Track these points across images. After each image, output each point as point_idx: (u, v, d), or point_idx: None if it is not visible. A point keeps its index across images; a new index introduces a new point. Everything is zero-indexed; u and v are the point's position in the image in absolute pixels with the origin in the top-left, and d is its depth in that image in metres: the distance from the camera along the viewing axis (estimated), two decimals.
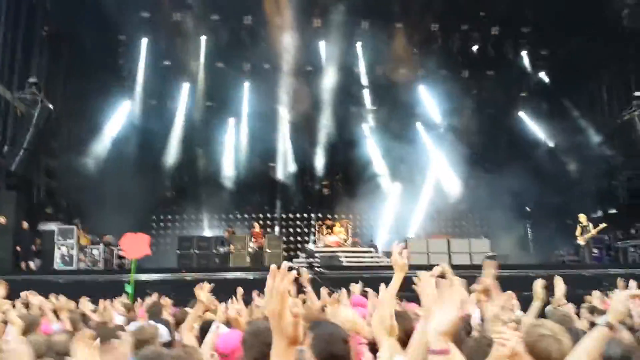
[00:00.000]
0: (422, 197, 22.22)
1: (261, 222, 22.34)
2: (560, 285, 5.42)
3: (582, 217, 16.68)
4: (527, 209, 17.95)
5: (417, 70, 22.54)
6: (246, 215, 22.78)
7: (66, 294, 9.65)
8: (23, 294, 7.98)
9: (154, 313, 6.92)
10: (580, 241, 16.64)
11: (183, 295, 8.96)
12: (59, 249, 15.43)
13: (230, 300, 6.31)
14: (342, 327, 2.95)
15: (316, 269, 13.88)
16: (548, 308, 9.49)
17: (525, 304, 5.94)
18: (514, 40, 21.51)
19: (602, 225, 16.36)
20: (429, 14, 20.59)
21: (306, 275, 6.90)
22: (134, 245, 9.65)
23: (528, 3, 19.21)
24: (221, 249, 17.27)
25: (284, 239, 20.89)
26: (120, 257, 16.39)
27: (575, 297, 10.26)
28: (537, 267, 15.02)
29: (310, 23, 20.60)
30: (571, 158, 21.58)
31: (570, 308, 8.82)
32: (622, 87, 18.88)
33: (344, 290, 6.65)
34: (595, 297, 9.55)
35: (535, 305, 4.68)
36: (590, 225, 16.54)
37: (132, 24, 18.88)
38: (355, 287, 7.12)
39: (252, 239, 17.60)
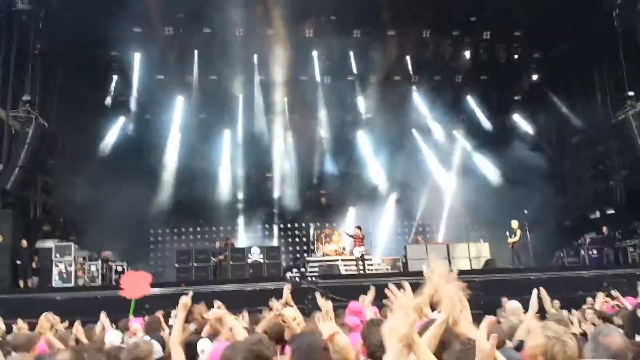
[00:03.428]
0: (420, 202, 22.21)
1: (266, 232, 22.36)
2: (546, 298, 5.40)
3: (514, 223, 16.80)
4: (525, 211, 17.95)
5: (410, 76, 22.64)
6: (243, 227, 22.69)
7: (64, 311, 9.62)
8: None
9: (153, 328, 6.86)
10: (510, 246, 16.80)
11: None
12: (57, 266, 15.35)
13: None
14: (321, 336, 2.91)
15: (310, 278, 13.84)
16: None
17: (527, 307, 5.93)
18: (506, 44, 21.58)
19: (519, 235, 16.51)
20: (420, 21, 20.65)
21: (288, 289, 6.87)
22: (135, 284, 9.50)
23: (518, 6, 19.29)
24: (212, 259, 17.18)
25: (283, 249, 20.81)
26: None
27: (577, 299, 10.27)
28: (537, 270, 15.01)
29: (302, 33, 20.64)
30: (568, 160, 21.65)
31: (575, 313, 8.81)
32: (615, 87, 18.92)
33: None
34: (597, 300, 9.52)
35: (529, 315, 4.62)
36: (518, 231, 16.61)
37: (124, 39, 18.86)
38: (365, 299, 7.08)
39: (355, 243, 17.42)
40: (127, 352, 4.01)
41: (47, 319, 7.59)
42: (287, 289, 7.04)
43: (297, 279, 13.56)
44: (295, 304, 6.90)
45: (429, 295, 3.37)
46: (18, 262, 15.00)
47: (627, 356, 3.00)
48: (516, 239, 16.63)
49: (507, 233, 16.87)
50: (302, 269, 16.59)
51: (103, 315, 8.17)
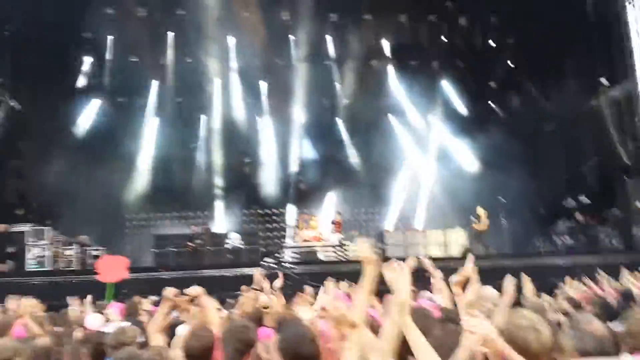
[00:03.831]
0: (397, 189, 22.35)
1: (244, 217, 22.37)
2: (527, 284, 5.46)
3: (480, 210, 17.07)
4: (501, 198, 18.20)
5: (387, 61, 22.66)
6: (221, 212, 22.57)
7: (39, 295, 9.53)
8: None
9: (131, 313, 6.85)
10: (476, 233, 17.12)
11: (160, 294, 8.89)
12: (30, 250, 15.15)
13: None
14: (309, 326, 2.93)
15: (285, 265, 13.91)
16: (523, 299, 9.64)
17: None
18: (481, 31, 21.72)
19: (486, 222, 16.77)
20: (397, 6, 20.67)
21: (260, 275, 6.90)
22: (111, 268, 9.47)
23: None
24: (189, 244, 17.10)
25: (261, 234, 20.80)
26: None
27: (550, 285, 10.47)
28: (512, 257, 15.24)
29: (278, 16, 20.49)
30: (542, 147, 21.94)
31: (547, 299, 9.00)
32: (588, 73, 19.18)
33: (322, 288, 6.68)
34: (569, 287, 9.72)
35: (504, 301, 4.66)
36: (484, 218, 16.87)
37: (96, 21, 18.52)
38: (329, 284, 7.13)
39: (335, 229, 17.35)
40: (114, 337, 3.99)
41: (30, 303, 7.55)
42: (257, 274, 7.08)
43: (273, 265, 13.60)
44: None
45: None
46: None
47: (609, 341, 3.02)
48: (482, 225, 16.83)
49: (473, 219, 17.10)
50: (278, 256, 16.65)
51: (71, 300, 8.09)
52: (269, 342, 4.18)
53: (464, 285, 3.60)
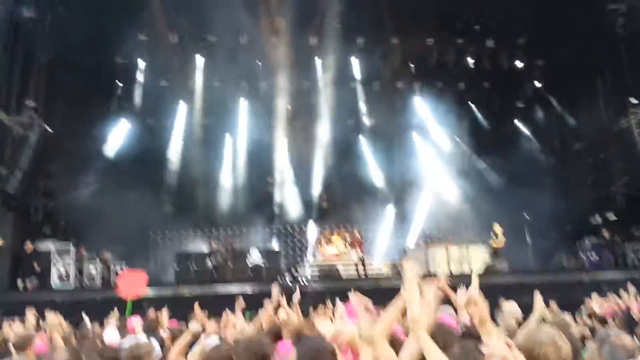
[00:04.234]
0: (421, 206, 22.19)
1: (266, 235, 22.47)
2: (538, 301, 5.38)
3: (497, 227, 16.88)
4: (526, 216, 17.95)
5: (413, 83, 22.72)
6: (244, 230, 22.69)
7: (63, 312, 9.63)
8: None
9: (150, 328, 6.87)
10: (492, 250, 16.96)
11: (181, 310, 8.92)
12: (56, 267, 15.38)
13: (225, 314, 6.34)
14: (327, 340, 2.91)
15: (302, 281, 13.85)
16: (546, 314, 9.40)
17: (525, 311, 5.90)
18: (509, 52, 21.63)
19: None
20: (424, 29, 20.74)
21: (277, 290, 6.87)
22: (131, 284, 9.54)
23: (522, 14, 19.35)
24: (209, 262, 17.14)
25: (283, 252, 20.80)
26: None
27: (575, 301, 10.21)
28: (537, 273, 14.95)
29: (306, 40, 20.74)
30: (569, 166, 21.61)
31: (568, 317, 8.79)
32: (618, 94, 18.90)
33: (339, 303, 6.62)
34: (594, 302, 9.50)
35: (533, 317, 4.59)
36: (501, 235, 16.63)
37: (128, 46, 19.03)
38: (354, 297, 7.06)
39: (353, 247, 17.36)
40: (129, 352, 4.00)
41: (56, 320, 7.66)
42: (275, 289, 7.06)
43: (289, 282, 13.56)
44: (288, 305, 6.91)
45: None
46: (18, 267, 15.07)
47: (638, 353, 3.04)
48: (499, 242, 16.60)
49: (493, 236, 16.94)
50: (295, 273, 16.63)
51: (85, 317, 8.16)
52: (287, 355, 4.16)
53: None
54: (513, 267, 16.92)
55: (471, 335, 3.85)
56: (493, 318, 8.64)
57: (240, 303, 8.09)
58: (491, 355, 2.54)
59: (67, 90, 19.15)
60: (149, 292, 11.83)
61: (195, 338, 5.31)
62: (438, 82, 22.39)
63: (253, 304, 10.33)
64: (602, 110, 19.90)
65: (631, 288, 9.32)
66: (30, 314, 8.15)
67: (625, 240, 17.68)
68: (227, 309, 7.17)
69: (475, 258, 17.47)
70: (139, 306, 10.10)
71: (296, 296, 6.97)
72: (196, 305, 6.62)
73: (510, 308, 6.98)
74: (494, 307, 9.89)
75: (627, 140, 17.60)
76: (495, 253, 16.82)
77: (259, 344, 3.16)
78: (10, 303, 12.62)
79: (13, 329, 7.67)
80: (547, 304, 9.18)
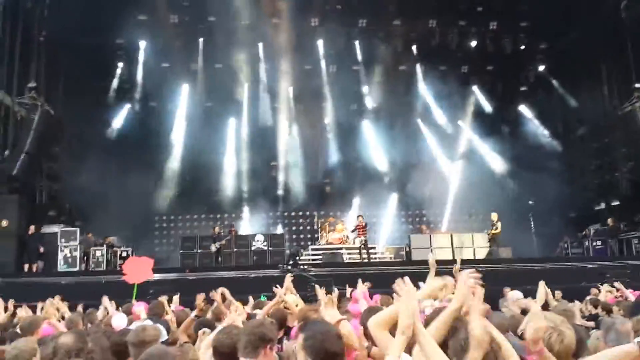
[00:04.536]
0: (425, 192, 22.21)
1: (270, 220, 22.52)
2: (542, 290, 5.39)
3: (494, 215, 16.86)
4: (530, 202, 17.95)
5: (416, 66, 22.59)
6: (248, 215, 22.76)
7: (69, 295, 9.71)
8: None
9: (156, 313, 6.92)
10: (488, 238, 16.95)
11: (186, 294, 8.98)
12: (62, 250, 15.45)
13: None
14: (332, 325, 2.92)
15: (303, 267, 13.90)
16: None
17: (529, 296, 5.95)
18: (512, 35, 21.46)
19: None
20: (426, 11, 20.57)
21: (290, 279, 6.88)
22: (137, 269, 9.55)
23: None
24: (212, 247, 17.25)
25: (287, 236, 20.89)
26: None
27: (580, 289, 10.28)
28: (541, 261, 15.00)
29: (307, 22, 20.58)
30: (573, 151, 21.57)
31: (577, 305, 8.86)
32: (621, 78, 18.80)
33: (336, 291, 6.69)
34: (603, 290, 9.54)
35: (537, 307, 4.61)
36: (499, 223, 16.63)
37: (129, 27, 18.87)
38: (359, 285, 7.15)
39: (358, 233, 17.45)
40: (135, 335, 4.02)
41: (53, 304, 7.71)
42: (288, 278, 7.08)
43: (290, 267, 13.62)
44: (297, 292, 6.96)
45: (433, 289, 3.43)
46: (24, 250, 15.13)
47: None
48: (497, 230, 16.68)
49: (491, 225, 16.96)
50: (296, 258, 16.72)
51: (105, 299, 8.24)
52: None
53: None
54: (517, 254, 16.95)
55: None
56: (497, 306, 8.73)
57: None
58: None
59: (69, 71, 19.10)
60: (154, 276, 11.92)
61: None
62: (441, 65, 22.26)
63: (257, 289, 10.46)
64: (605, 94, 19.82)
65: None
66: (49, 302, 8.20)
67: (630, 227, 17.64)
68: (230, 294, 7.19)
69: (479, 244, 17.52)
70: (146, 291, 10.16)
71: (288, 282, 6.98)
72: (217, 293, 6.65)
73: (514, 296, 7.06)
74: (498, 295, 10.03)
75: (631, 125, 17.53)
76: (492, 240, 16.83)
77: (260, 325, 3.21)
78: (16, 285, 12.73)
79: (24, 313, 7.75)
80: (552, 293, 9.31)
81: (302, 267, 13.88)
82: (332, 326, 2.82)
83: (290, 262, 15.00)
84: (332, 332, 2.68)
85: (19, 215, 15.22)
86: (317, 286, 6.46)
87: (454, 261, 8.54)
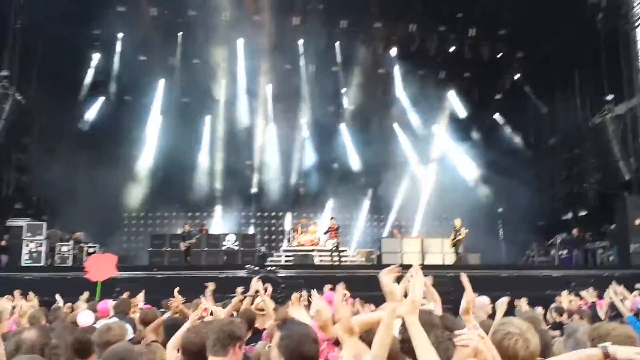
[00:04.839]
0: (397, 197, 22.33)
1: (242, 219, 22.36)
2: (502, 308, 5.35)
3: (457, 222, 17.07)
4: (499, 209, 18.16)
5: (394, 69, 22.70)
6: (220, 213, 22.58)
7: (33, 290, 9.51)
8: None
9: (122, 310, 6.82)
10: (450, 244, 17.12)
11: (153, 293, 8.87)
12: (27, 245, 15.11)
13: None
14: (311, 327, 2.92)
15: (269, 269, 13.86)
16: (517, 309, 9.60)
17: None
18: (490, 42, 21.71)
19: (465, 231, 16.81)
20: (408, 15, 20.69)
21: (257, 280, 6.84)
22: (99, 267, 9.39)
23: (505, 5, 19.42)
24: (181, 245, 17.06)
25: (259, 237, 20.77)
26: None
27: (545, 298, 10.44)
28: (508, 268, 15.19)
29: (289, 21, 20.52)
30: (544, 160, 21.88)
31: (539, 311, 9.01)
32: (594, 90, 19.11)
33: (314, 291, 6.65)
34: (564, 298, 9.75)
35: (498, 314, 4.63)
36: (463, 230, 16.86)
37: (107, 18, 18.58)
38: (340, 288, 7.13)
39: (330, 236, 17.34)
40: (99, 335, 3.95)
41: (9, 300, 7.54)
42: (255, 280, 7.02)
43: (257, 268, 13.55)
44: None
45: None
46: None
47: None
48: (461, 237, 16.84)
49: (453, 233, 17.12)
50: (269, 259, 16.68)
51: (58, 297, 8.11)
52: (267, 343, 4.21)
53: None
54: (486, 260, 17.13)
55: (447, 327, 3.92)
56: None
57: (209, 287, 8.09)
58: (464, 344, 2.59)
59: (43, 61, 18.67)
60: (120, 274, 11.73)
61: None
62: (419, 69, 22.41)
63: (226, 289, 10.37)
64: (578, 105, 20.13)
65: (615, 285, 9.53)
66: (17, 293, 8.05)
67: (595, 237, 17.96)
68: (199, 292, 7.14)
69: (449, 250, 17.64)
70: (113, 289, 10.00)
71: (268, 287, 6.93)
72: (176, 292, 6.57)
73: (481, 302, 7.10)
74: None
75: (601, 136, 17.81)
76: (455, 246, 16.99)
77: (229, 323, 3.19)
78: None
79: None
80: (518, 299, 9.44)
81: (269, 268, 13.81)
82: (310, 329, 2.82)
83: (257, 264, 14.85)
84: (309, 335, 2.69)
85: None
86: (254, 279, 6.47)
87: (426, 266, 8.63)
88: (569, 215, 19.81)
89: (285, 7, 19.71)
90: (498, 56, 21.99)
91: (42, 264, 15.08)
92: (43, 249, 15.21)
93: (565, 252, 17.68)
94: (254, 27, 20.05)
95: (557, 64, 20.43)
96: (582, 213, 19.30)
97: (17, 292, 8.83)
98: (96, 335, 4.03)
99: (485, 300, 7.05)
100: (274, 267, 13.93)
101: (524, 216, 19.56)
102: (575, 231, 18.11)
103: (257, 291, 6.54)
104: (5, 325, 5.61)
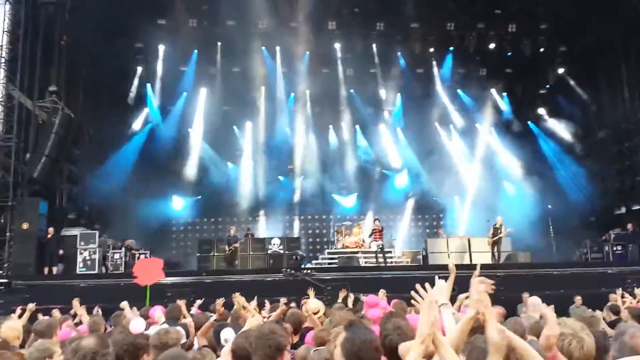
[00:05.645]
0: (443, 197, 22.08)
1: (285, 223, 22.57)
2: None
3: (499, 219, 16.80)
4: (550, 206, 17.71)
5: (433, 69, 22.50)
6: (265, 218, 22.81)
7: (87, 298, 9.78)
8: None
9: (173, 316, 6.95)
10: (489, 242, 16.81)
11: (202, 297, 9.02)
12: (81, 253, 15.58)
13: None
14: (375, 334, 2.90)
15: (306, 271, 13.86)
16: (572, 307, 9.34)
17: (547, 302, 5.87)
18: (531, 37, 21.27)
19: (509, 230, 16.56)
20: (444, 14, 20.48)
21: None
22: (147, 271, 9.52)
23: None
24: (226, 248, 17.31)
25: (303, 240, 20.89)
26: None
27: (599, 295, 10.12)
28: (560, 266, 14.81)
29: (325, 26, 20.60)
30: (593, 154, 21.28)
31: (596, 311, 8.68)
32: None
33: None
34: (618, 296, 9.37)
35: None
36: (503, 227, 16.54)
37: (148, 31, 19.03)
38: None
39: (375, 237, 17.49)
40: (158, 337, 4.06)
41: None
42: (237, 295, 6.84)
43: (293, 272, 13.57)
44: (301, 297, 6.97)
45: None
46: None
47: None
48: (502, 235, 16.56)
49: (492, 230, 16.88)
50: (298, 261, 16.75)
51: (125, 304, 8.28)
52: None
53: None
54: (536, 259, 16.75)
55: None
56: (515, 312, 8.62)
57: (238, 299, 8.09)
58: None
59: (89, 75, 19.26)
60: (171, 279, 11.96)
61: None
62: (459, 68, 22.14)
63: (271, 292, 10.48)
64: (626, 97, 19.52)
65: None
66: (76, 301, 8.25)
67: None
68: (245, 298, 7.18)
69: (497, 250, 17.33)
70: (164, 294, 10.20)
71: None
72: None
73: (533, 302, 6.98)
74: (517, 300, 9.93)
75: None
76: (495, 245, 16.72)
77: (271, 335, 3.20)
78: (36, 288, 12.87)
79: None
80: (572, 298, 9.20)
81: (305, 271, 13.83)
82: (375, 337, 2.82)
83: (296, 267, 14.88)
84: (371, 343, 2.70)
85: (39, 217, 15.37)
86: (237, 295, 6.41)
87: (472, 266, 8.48)
88: (622, 209, 19.18)
89: (321, 13, 19.78)
90: (540, 51, 21.49)
91: (95, 271, 15.53)
92: (96, 256, 15.66)
93: (619, 247, 17.14)
94: (290, 34, 20.20)
95: (602, 56, 19.86)
96: (636, 207, 18.65)
97: (75, 301, 9.07)
98: (154, 337, 4.12)
99: (536, 300, 6.94)
100: (309, 271, 13.92)
101: (574, 212, 19.06)
102: (630, 226, 17.53)
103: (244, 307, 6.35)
104: (60, 333, 5.77)
